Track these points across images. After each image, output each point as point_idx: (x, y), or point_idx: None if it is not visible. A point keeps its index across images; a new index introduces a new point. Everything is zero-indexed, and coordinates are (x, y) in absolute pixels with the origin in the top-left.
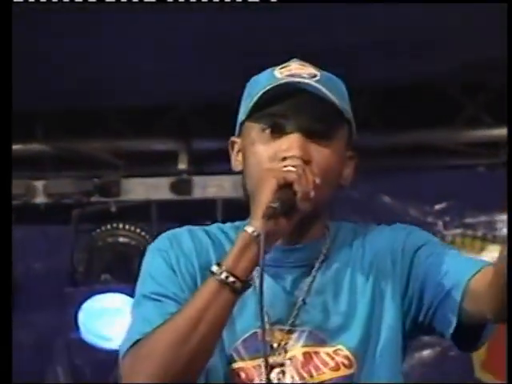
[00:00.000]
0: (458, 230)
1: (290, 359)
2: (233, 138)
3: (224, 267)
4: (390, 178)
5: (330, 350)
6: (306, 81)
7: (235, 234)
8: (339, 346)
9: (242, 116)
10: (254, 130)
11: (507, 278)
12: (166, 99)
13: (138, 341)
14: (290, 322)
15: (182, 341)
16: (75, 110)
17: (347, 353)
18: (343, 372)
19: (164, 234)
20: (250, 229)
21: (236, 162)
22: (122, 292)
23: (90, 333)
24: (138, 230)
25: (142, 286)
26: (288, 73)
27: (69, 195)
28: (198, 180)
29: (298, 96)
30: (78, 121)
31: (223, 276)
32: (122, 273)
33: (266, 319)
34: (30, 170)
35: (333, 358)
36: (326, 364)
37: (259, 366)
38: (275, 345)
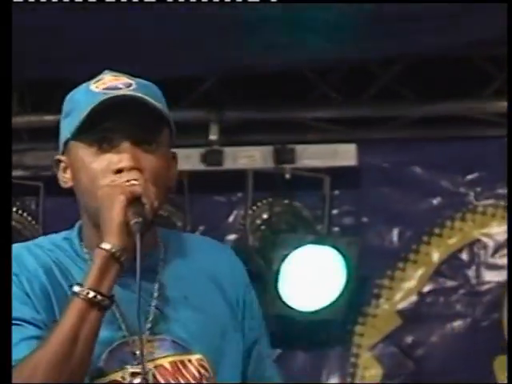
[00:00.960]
0: (490, 201)
1: (155, 367)
2: (57, 157)
3: (88, 287)
4: (421, 149)
5: (192, 358)
6: (124, 92)
7: (68, 246)
8: (199, 356)
9: (66, 134)
10: (81, 146)
11: (507, 277)
12: (197, 70)
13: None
14: (148, 330)
15: (62, 361)
16: None
17: (206, 363)
18: (204, 381)
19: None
20: (107, 246)
21: (64, 179)
22: None
23: None
24: (170, 201)
25: None
26: (104, 86)
27: None
28: (228, 151)
29: (119, 108)
30: None
31: (91, 295)
32: None
33: (123, 328)
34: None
35: (196, 368)
36: (191, 374)
37: (123, 377)
38: (138, 353)
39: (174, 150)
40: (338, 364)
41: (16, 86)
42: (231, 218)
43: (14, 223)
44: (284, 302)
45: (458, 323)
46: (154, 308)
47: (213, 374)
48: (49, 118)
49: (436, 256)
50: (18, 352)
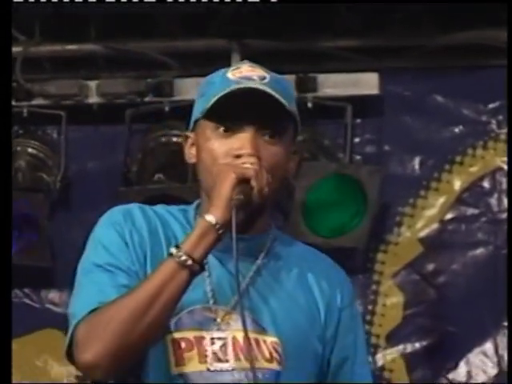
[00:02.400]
0: None
1: (231, 338)
2: (186, 133)
3: (183, 250)
4: (443, 78)
5: (268, 339)
6: (257, 85)
7: (182, 216)
8: (276, 339)
9: (196, 114)
10: (209, 127)
11: (507, 277)
12: None
13: (93, 310)
14: (232, 303)
15: (140, 314)
16: (128, 10)
17: (280, 348)
18: (274, 366)
19: (116, 208)
20: (209, 217)
21: (189, 154)
22: (174, 192)
23: None
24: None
25: (94, 256)
26: (240, 75)
27: (122, 95)
28: None
29: (249, 98)
30: (131, 21)
31: (183, 258)
32: (175, 172)
33: (210, 296)
34: (83, 70)
35: (269, 350)
36: (262, 353)
37: (201, 337)
38: (218, 320)
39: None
40: (360, 291)
41: (39, 15)
42: None
43: (35, 152)
44: (307, 231)
45: (479, 251)
46: (244, 286)
47: (284, 361)
48: (71, 47)
49: (458, 184)
50: (105, 296)
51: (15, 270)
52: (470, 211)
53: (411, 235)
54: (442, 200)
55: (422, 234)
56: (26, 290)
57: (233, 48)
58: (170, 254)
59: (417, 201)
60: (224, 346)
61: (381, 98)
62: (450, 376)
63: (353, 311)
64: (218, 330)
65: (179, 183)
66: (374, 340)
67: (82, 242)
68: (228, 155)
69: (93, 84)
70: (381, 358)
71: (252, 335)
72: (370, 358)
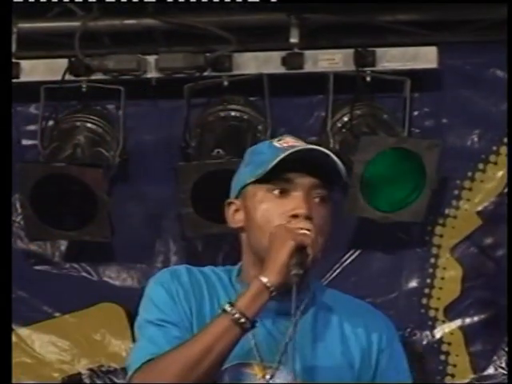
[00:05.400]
0: None
1: None
2: (230, 200)
3: (237, 308)
4: (502, 51)
5: None
6: (306, 146)
7: (226, 276)
8: None
9: (246, 180)
10: (262, 191)
11: (507, 276)
12: None
13: (148, 361)
14: (275, 360)
15: (193, 365)
16: None
17: None
18: None
19: (165, 270)
20: (264, 279)
21: (235, 219)
22: (233, 167)
23: (204, 207)
24: (250, 104)
25: (146, 313)
26: (286, 144)
27: (181, 70)
28: (309, 54)
29: (301, 161)
30: None
31: (236, 316)
32: (234, 147)
33: (256, 355)
34: (141, 44)
35: None
36: None
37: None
38: (258, 376)
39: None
40: (418, 265)
41: None
42: (312, 121)
43: (95, 127)
44: (365, 204)
45: None
46: (285, 344)
47: None
48: (130, 21)
49: None
50: (158, 348)
51: (74, 245)
52: None
53: (470, 208)
54: (500, 173)
55: (481, 207)
56: (84, 265)
57: (291, 22)
58: (224, 310)
59: (475, 174)
60: None
61: (439, 71)
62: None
63: (393, 352)
64: None
65: (238, 158)
66: (432, 313)
67: (140, 217)
68: (283, 215)
69: (151, 59)
70: (439, 331)
71: None
72: (428, 332)
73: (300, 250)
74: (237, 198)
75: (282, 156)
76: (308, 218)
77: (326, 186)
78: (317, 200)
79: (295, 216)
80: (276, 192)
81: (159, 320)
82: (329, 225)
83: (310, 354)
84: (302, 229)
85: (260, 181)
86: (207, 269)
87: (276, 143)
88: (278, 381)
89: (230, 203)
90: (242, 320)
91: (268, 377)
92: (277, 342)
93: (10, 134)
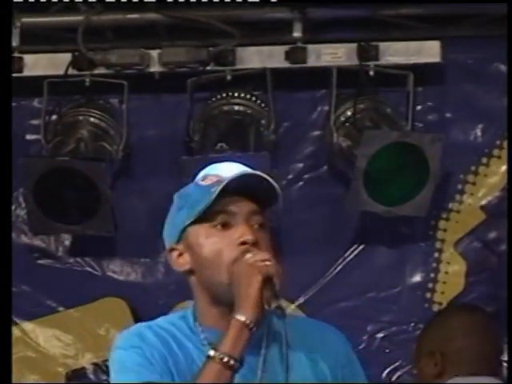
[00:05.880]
0: None
1: None
2: (171, 246)
3: (222, 351)
4: (505, 46)
5: None
6: (240, 171)
7: (184, 324)
8: None
9: (184, 223)
10: (203, 228)
11: (507, 276)
12: None
13: None
14: None
15: None
16: None
17: None
18: None
19: (127, 333)
20: (242, 318)
21: (180, 264)
22: (237, 161)
23: None
24: (254, 98)
25: (122, 378)
26: (211, 182)
27: (184, 64)
28: (312, 48)
29: (234, 193)
30: None
31: (225, 359)
32: (237, 141)
33: None
34: (144, 39)
35: None
36: None
37: None
38: None
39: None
40: (422, 259)
41: None
42: (315, 115)
43: (97, 122)
44: (368, 199)
45: None
46: (259, 377)
47: None
48: (133, 16)
49: None
50: None
51: (78, 239)
52: None
53: (473, 203)
54: (504, 167)
55: (485, 201)
56: (88, 259)
57: (295, 17)
58: (210, 357)
59: (479, 168)
60: None
61: (443, 66)
62: None
63: (354, 367)
64: None
65: (241, 152)
66: (436, 308)
67: (143, 211)
68: (231, 245)
69: (154, 53)
70: None
71: None
72: None
73: (267, 281)
74: (177, 242)
75: (220, 187)
76: (255, 243)
77: (262, 212)
78: (256, 227)
79: (243, 243)
80: (218, 226)
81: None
82: (270, 250)
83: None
84: (262, 260)
85: (198, 220)
86: (162, 321)
87: (201, 182)
88: None
89: (172, 249)
90: (232, 362)
91: None
92: (248, 379)
93: (10, 131)
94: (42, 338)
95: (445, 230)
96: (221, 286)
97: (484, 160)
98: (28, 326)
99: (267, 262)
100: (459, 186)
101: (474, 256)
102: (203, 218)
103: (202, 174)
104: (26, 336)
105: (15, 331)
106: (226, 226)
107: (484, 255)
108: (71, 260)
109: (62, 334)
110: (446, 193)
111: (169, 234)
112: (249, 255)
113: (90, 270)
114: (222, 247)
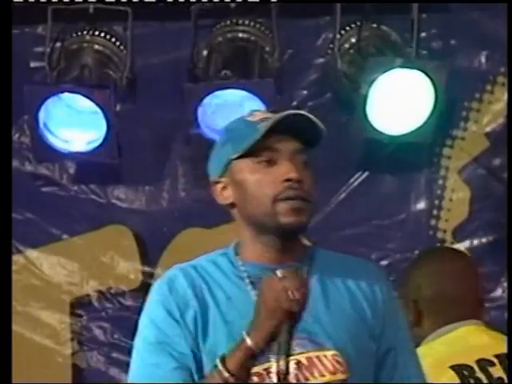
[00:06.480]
0: None
1: (295, 363)
2: (215, 179)
3: (227, 367)
4: None
5: (328, 353)
6: (285, 113)
7: (225, 259)
8: (334, 352)
9: (229, 157)
10: (248, 163)
11: (507, 275)
12: None
13: None
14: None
15: None
16: None
17: (341, 359)
18: (339, 376)
19: (163, 281)
20: (250, 343)
21: (224, 197)
22: (242, 87)
23: (210, 128)
24: (258, 26)
25: (145, 330)
26: (258, 118)
27: None
28: None
29: (279, 131)
30: None
31: (226, 375)
32: (241, 68)
33: None
34: None
35: (331, 363)
36: (326, 367)
37: (268, 369)
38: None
39: None
40: (426, 187)
41: None
42: (319, 42)
43: (102, 49)
44: (372, 126)
45: None
46: None
47: (347, 369)
48: None
49: None
50: (155, 379)
51: (82, 167)
52: None
53: (477, 130)
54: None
55: (489, 128)
56: (92, 186)
57: None
58: (215, 366)
59: (483, 95)
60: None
61: None
62: None
63: (393, 305)
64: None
65: (245, 79)
66: (440, 235)
67: (148, 139)
68: (276, 182)
69: None
70: None
71: (313, 354)
72: None
73: (288, 318)
74: (221, 176)
75: (269, 125)
76: (299, 181)
77: (307, 151)
78: (300, 165)
79: (288, 180)
80: (263, 162)
81: (158, 342)
82: (314, 189)
83: (324, 316)
84: (287, 290)
85: (244, 155)
86: (203, 260)
87: (249, 118)
88: (299, 350)
89: (216, 182)
90: (231, 380)
91: None
92: None
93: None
94: (46, 266)
95: (449, 157)
96: (265, 216)
97: (488, 87)
98: (32, 253)
99: (296, 295)
100: (463, 113)
101: (478, 183)
102: (248, 153)
103: (252, 111)
104: (31, 264)
105: (20, 259)
106: (270, 162)
107: (488, 182)
108: (75, 187)
109: (66, 261)
110: (451, 120)
111: (213, 167)
112: (280, 273)
113: (94, 197)
114: (267, 183)
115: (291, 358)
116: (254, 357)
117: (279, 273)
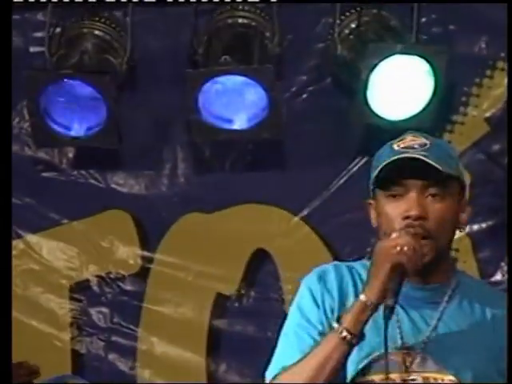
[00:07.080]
0: None
1: (412, 380)
2: (369, 200)
3: (343, 326)
4: None
5: (445, 378)
6: (415, 154)
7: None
8: (452, 378)
9: (370, 185)
10: (382, 194)
11: (507, 260)
12: None
13: (279, 372)
14: (417, 349)
15: (311, 379)
16: None
17: None
18: None
19: (315, 271)
20: (364, 298)
21: (372, 217)
22: (242, 73)
23: (210, 114)
24: (258, 11)
25: (291, 317)
26: (403, 145)
27: None
28: None
29: (410, 164)
30: None
31: (343, 334)
32: (241, 54)
33: (399, 342)
34: None
35: None
36: None
37: (387, 379)
38: (407, 363)
39: None
40: None
41: None
42: (319, 27)
43: (102, 34)
44: (372, 111)
45: None
46: (429, 331)
47: None
48: None
49: None
50: (291, 360)
51: (82, 152)
52: None
53: (477, 115)
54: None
55: (488, 113)
56: (92, 171)
57: None
58: (332, 328)
59: (483, 80)
60: None
61: None
62: None
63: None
64: (403, 372)
65: (246, 64)
66: None
67: (148, 124)
68: (398, 217)
69: None
70: None
71: (434, 375)
72: None
73: (396, 269)
74: (372, 198)
75: (384, 164)
76: (420, 217)
77: (438, 184)
78: (430, 198)
79: (407, 217)
80: (390, 197)
81: (299, 326)
82: (449, 217)
83: (454, 342)
84: (398, 245)
85: (380, 185)
86: (358, 263)
87: (395, 144)
88: (420, 368)
89: (369, 203)
90: (349, 337)
91: (408, 364)
92: (419, 330)
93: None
94: (45, 251)
95: (449, 143)
96: None
97: (488, 72)
98: (32, 238)
99: (404, 248)
100: (463, 98)
101: (478, 168)
102: (383, 183)
103: (405, 135)
104: (30, 248)
105: (19, 244)
106: (398, 196)
107: (488, 167)
108: (75, 172)
109: (65, 246)
110: (450, 105)
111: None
112: (394, 234)
113: (93, 182)
114: (392, 218)
115: (412, 373)
116: (367, 312)
117: (394, 234)
